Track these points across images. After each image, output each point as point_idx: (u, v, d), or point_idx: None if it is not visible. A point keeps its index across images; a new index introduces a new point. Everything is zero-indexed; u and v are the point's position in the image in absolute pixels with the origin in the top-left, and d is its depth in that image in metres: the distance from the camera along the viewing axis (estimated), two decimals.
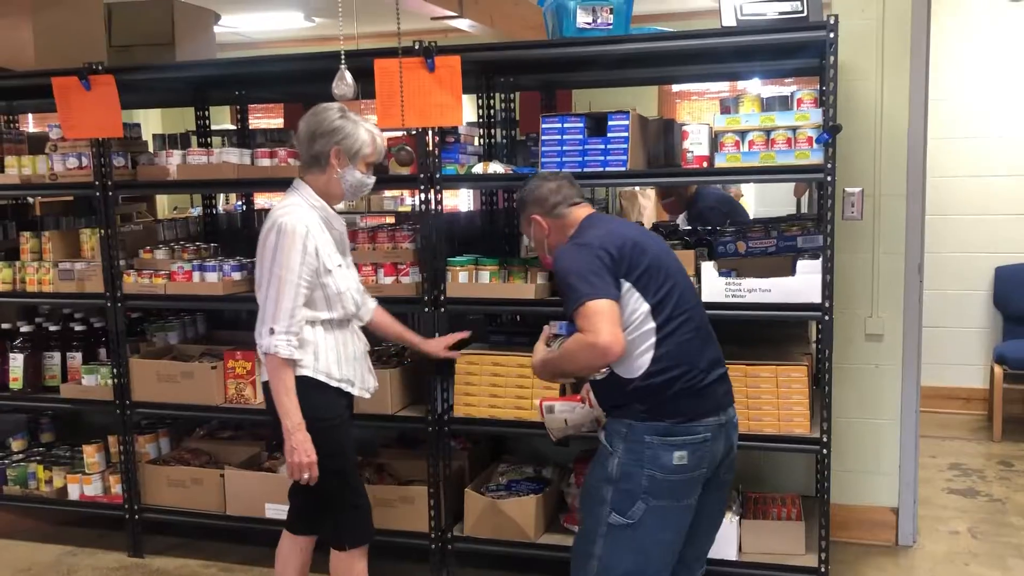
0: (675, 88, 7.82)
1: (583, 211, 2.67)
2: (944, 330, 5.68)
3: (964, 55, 5.58)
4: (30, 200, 5.22)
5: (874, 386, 3.84)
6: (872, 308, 3.81)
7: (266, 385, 2.76)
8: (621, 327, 2.37)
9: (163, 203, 7.61)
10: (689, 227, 4.37)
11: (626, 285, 2.43)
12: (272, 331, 2.65)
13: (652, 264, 2.48)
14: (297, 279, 2.66)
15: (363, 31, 7.94)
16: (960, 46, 5.57)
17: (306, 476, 2.69)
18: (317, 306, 2.75)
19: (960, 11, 5.53)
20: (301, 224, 2.68)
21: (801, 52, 3.43)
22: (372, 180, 2.88)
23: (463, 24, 6.80)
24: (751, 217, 5.07)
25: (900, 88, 3.71)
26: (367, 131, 2.80)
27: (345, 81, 3.15)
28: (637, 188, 6.91)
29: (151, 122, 7.88)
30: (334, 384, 2.79)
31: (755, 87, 5.46)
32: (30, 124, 7.16)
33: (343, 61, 3.08)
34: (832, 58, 3.04)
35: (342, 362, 2.81)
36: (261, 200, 7.44)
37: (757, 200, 6.79)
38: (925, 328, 5.37)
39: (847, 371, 3.83)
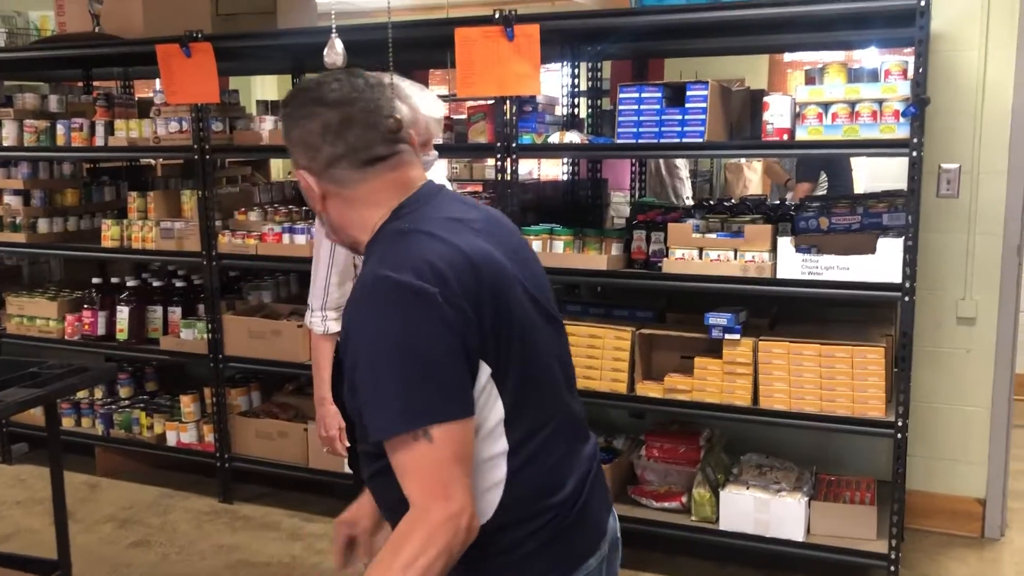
0: (787, 58, 7.59)
1: (403, 174, 1.48)
2: None
3: None
4: (151, 162, 5.51)
5: (965, 371, 3.68)
6: (965, 290, 3.64)
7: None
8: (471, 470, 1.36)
9: (278, 167, 7.87)
10: (778, 201, 4.27)
11: (485, 384, 1.37)
12: (311, 308, 2.74)
13: (517, 315, 1.42)
14: (328, 259, 2.69)
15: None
16: None
17: (325, 449, 2.80)
18: None
19: None
20: None
21: (903, 21, 3.27)
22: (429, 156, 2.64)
23: None
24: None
25: (1006, 60, 3.51)
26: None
27: (335, 50, 3.19)
28: (743, 160, 6.76)
29: (267, 88, 8.17)
30: None
31: (872, 57, 5.22)
32: (157, 87, 7.47)
33: (334, 30, 3.10)
34: (922, 28, 2.90)
35: None
36: None
37: (869, 176, 6.56)
38: None
39: (936, 355, 3.68)
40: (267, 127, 3.96)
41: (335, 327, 2.76)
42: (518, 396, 1.41)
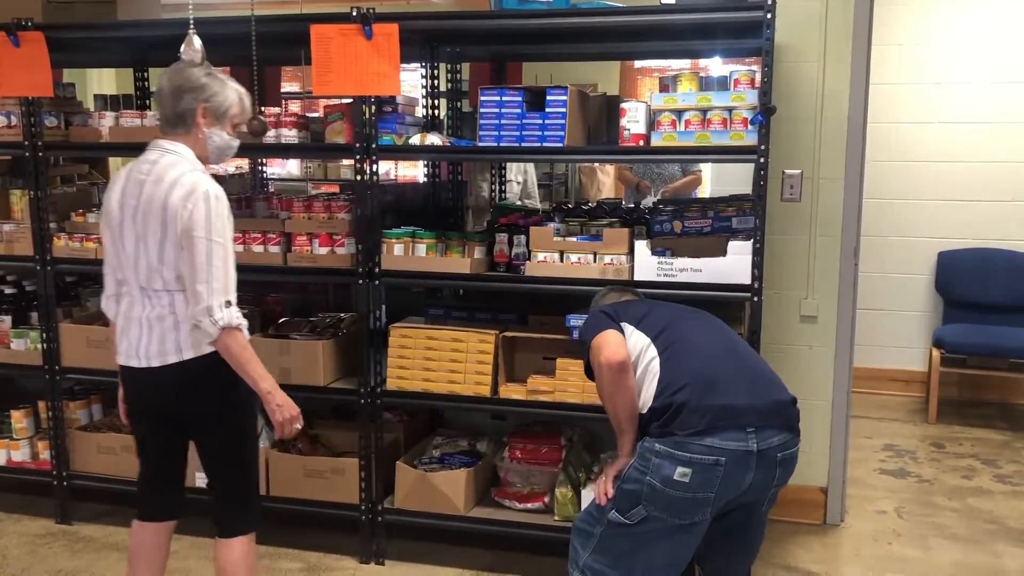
0: (637, 64, 7.81)
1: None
2: (885, 313, 5.76)
3: (908, 40, 5.60)
4: None
5: (808, 367, 3.88)
6: (808, 290, 3.84)
7: (186, 363, 2.60)
8: (626, 348, 2.63)
9: (116, 165, 7.42)
10: (632, 205, 4.37)
11: (628, 327, 2.69)
12: (229, 303, 2.49)
13: (651, 312, 2.78)
14: (232, 247, 2.54)
15: None
16: (904, 31, 5.59)
17: (297, 427, 2.62)
18: None
19: None
20: (221, 189, 2.54)
21: (750, 32, 3.41)
22: (236, 143, 2.69)
23: None
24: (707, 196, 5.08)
25: (841, 72, 3.72)
26: (234, 90, 2.62)
27: (193, 47, 3.07)
28: (596, 164, 6.89)
29: (105, 82, 7.70)
30: None
31: (717, 66, 5.42)
32: None
33: (192, 26, 2.99)
34: (768, 39, 3.03)
35: None
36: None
37: (714, 180, 6.81)
38: (867, 311, 5.44)
39: (782, 351, 3.86)
40: (107, 124, 3.73)
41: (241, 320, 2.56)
42: (658, 331, 2.66)
